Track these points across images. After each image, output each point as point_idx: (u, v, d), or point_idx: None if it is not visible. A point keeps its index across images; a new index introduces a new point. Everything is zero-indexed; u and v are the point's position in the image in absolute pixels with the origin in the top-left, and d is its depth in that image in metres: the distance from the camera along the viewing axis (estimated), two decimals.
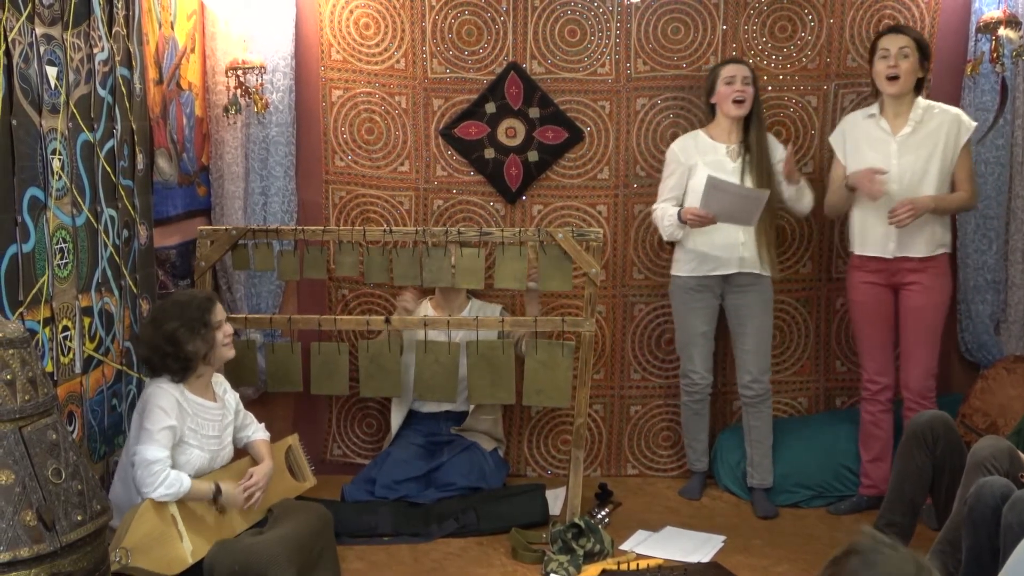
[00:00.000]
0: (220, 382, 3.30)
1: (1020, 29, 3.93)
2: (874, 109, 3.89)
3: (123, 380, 3.31)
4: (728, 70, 3.95)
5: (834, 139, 4.00)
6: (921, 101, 3.84)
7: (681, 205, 3.99)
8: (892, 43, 3.77)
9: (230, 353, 3.24)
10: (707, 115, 4.12)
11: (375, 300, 4.43)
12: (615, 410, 4.50)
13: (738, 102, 3.92)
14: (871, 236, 3.86)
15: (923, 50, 3.78)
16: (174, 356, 3.05)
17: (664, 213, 4.01)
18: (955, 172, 3.80)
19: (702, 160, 3.98)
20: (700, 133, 4.08)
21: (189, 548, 2.94)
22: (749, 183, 3.91)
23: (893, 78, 3.75)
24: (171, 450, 2.97)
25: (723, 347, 4.28)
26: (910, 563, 1.68)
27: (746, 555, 3.62)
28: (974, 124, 3.84)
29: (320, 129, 4.34)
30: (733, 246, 3.95)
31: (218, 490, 3.07)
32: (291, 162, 4.28)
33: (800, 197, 4.00)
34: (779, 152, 4.03)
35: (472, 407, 4.15)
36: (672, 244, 4.35)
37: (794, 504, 4.11)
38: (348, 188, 4.38)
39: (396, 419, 4.22)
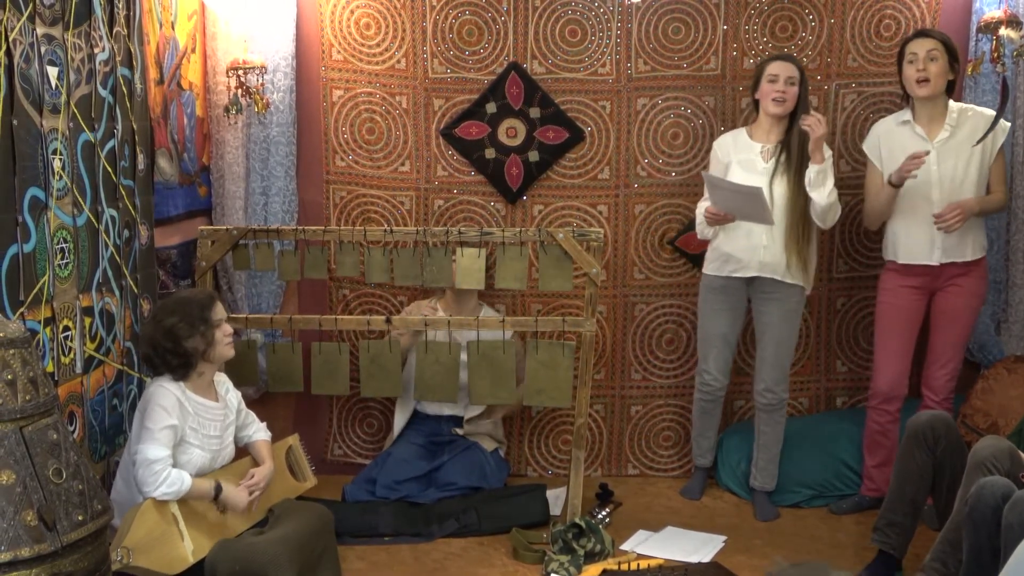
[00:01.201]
0: (222, 381, 3.30)
1: (1021, 29, 3.92)
2: (906, 115, 3.83)
3: (124, 380, 3.32)
4: (773, 68, 3.85)
5: (868, 147, 3.93)
6: (954, 104, 3.81)
7: None
8: (920, 47, 3.72)
9: (230, 352, 3.23)
10: (752, 111, 4.07)
11: (376, 300, 4.44)
12: (616, 410, 4.50)
13: (777, 101, 3.83)
14: (916, 247, 3.79)
15: (952, 52, 3.73)
16: (173, 352, 3.05)
17: (699, 211, 3.96)
18: (991, 172, 3.79)
19: (736, 159, 3.92)
20: (742, 131, 4.01)
21: (190, 547, 2.94)
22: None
23: (923, 81, 3.70)
24: (172, 449, 2.98)
25: (739, 350, 4.26)
26: None
27: (747, 555, 3.62)
28: (1008, 125, 3.81)
29: (321, 129, 4.34)
30: (755, 248, 3.87)
31: (219, 488, 3.07)
32: (292, 162, 4.28)
33: (821, 182, 3.74)
34: (826, 153, 3.86)
35: (474, 410, 4.15)
36: (672, 244, 4.37)
37: (795, 504, 4.11)
38: (349, 188, 4.38)
39: (400, 420, 4.21)
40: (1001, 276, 4.22)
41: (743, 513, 4.06)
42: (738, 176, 3.83)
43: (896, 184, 3.72)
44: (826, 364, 4.50)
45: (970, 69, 4.08)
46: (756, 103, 3.96)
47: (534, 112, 4.32)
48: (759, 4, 4.25)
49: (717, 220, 3.81)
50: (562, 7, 4.28)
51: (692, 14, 4.27)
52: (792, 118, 3.88)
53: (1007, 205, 3.94)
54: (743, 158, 3.91)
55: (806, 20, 4.27)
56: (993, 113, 3.80)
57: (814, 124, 3.69)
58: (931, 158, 3.73)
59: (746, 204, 3.71)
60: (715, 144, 4.06)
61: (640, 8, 4.27)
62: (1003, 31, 3.92)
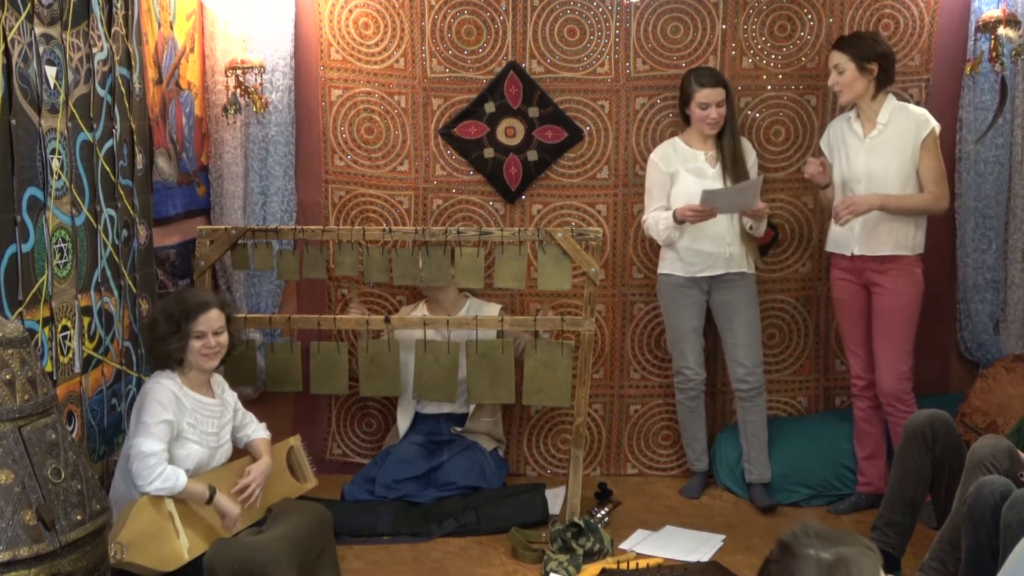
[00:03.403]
0: (219, 381, 3.30)
1: (1019, 28, 3.93)
2: (852, 112, 3.93)
3: (122, 380, 3.32)
4: (702, 96, 3.95)
5: (823, 142, 4.05)
6: (892, 103, 3.86)
7: (668, 209, 4.02)
8: (829, 62, 3.87)
9: (208, 364, 3.15)
10: (683, 121, 4.14)
11: (375, 300, 4.43)
12: (615, 409, 4.50)
13: (711, 125, 3.99)
14: (840, 236, 3.91)
15: (863, 56, 3.77)
16: (150, 347, 3.15)
17: (658, 219, 4.03)
18: (919, 172, 3.80)
19: (683, 167, 4.03)
20: (678, 141, 4.12)
21: (185, 545, 2.94)
22: (730, 184, 3.98)
23: (837, 92, 3.87)
24: (168, 444, 2.97)
25: (719, 346, 4.27)
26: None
27: (746, 554, 3.62)
28: (936, 124, 3.81)
29: (319, 129, 4.34)
30: (721, 245, 4.00)
31: (212, 493, 3.04)
32: (290, 162, 4.28)
33: (758, 228, 4.05)
34: (751, 156, 4.10)
35: (472, 408, 4.15)
36: None
37: (794, 503, 4.11)
38: (347, 188, 4.38)
39: (403, 424, 4.20)
40: (999, 275, 4.23)
41: (742, 512, 4.06)
42: (690, 183, 3.97)
43: (820, 186, 3.99)
44: (825, 364, 4.50)
45: (968, 68, 4.09)
46: (687, 116, 4.08)
47: (533, 111, 4.32)
48: (758, 3, 4.25)
49: (703, 217, 3.88)
50: (561, 6, 4.27)
51: (691, 13, 4.27)
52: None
53: (943, 208, 3.87)
54: (691, 167, 4.03)
55: (805, 20, 4.27)
56: (921, 111, 3.86)
57: (760, 215, 3.98)
58: (862, 152, 3.84)
59: (740, 196, 3.87)
60: (654, 157, 4.11)
61: (639, 7, 4.27)
62: (1002, 30, 3.93)
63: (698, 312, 4.13)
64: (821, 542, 1.71)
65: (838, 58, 3.81)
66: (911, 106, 3.92)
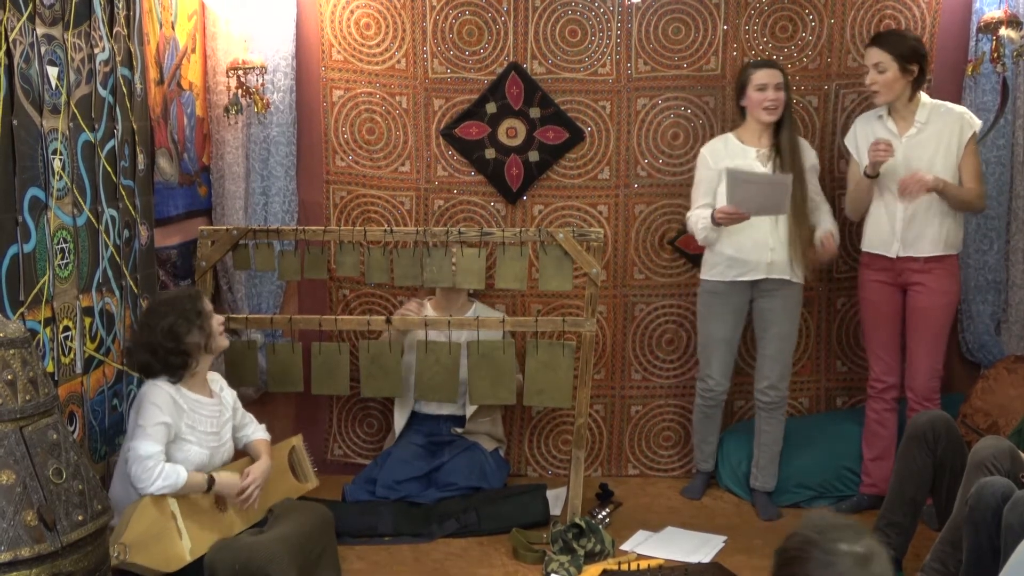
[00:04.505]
0: (216, 379, 3.29)
1: (1021, 29, 3.92)
2: (882, 110, 3.88)
3: (124, 380, 3.32)
4: (760, 76, 3.89)
5: (848, 140, 3.98)
6: (927, 101, 3.83)
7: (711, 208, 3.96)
8: (868, 58, 3.80)
9: (225, 342, 3.27)
10: (738, 117, 4.09)
11: (376, 300, 4.43)
12: (616, 410, 4.50)
13: (769, 110, 3.89)
14: (877, 235, 3.86)
15: (905, 56, 3.72)
16: (175, 351, 3.04)
17: (698, 218, 3.95)
18: (960, 171, 3.79)
19: (732, 164, 3.90)
20: (730, 136, 4.04)
21: (188, 545, 2.93)
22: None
23: (874, 92, 3.80)
24: (166, 446, 2.96)
25: (743, 349, 4.27)
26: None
27: (747, 555, 3.62)
28: (979, 122, 3.82)
29: (321, 129, 4.34)
30: (762, 250, 3.90)
31: (212, 480, 3.05)
32: (292, 162, 4.28)
33: (823, 252, 3.96)
34: (811, 156, 4.00)
35: (471, 409, 4.15)
36: (672, 244, 4.37)
37: (795, 504, 4.11)
38: (349, 188, 4.38)
39: (400, 421, 4.21)
40: (1001, 276, 4.23)
41: (743, 513, 4.06)
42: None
43: (871, 175, 3.79)
44: (826, 364, 4.50)
45: (970, 69, 4.09)
46: (742, 109, 4.00)
47: (534, 112, 4.32)
48: (759, 4, 4.25)
49: (733, 220, 3.79)
50: (562, 7, 4.28)
51: (692, 14, 4.27)
52: (779, 121, 3.93)
53: (984, 206, 3.90)
54: (740, 163, 3.91)
55: (806, 20, 4.27)
56: (963, 110, 3.84)
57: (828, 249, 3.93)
58: (899, 152, 3.77)
59: (770, 196, 3.72)
60: (704, 151, 4.05)
61: (640, 8, 4.27)
62: (1003, 31, 3.93)
63: (733, 323, 4.04)
64: (847, 534, 1.70)
65: (879, 56, 3.73)
66: (949, 104, 3.88)
